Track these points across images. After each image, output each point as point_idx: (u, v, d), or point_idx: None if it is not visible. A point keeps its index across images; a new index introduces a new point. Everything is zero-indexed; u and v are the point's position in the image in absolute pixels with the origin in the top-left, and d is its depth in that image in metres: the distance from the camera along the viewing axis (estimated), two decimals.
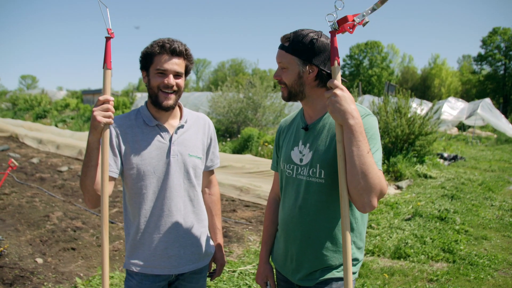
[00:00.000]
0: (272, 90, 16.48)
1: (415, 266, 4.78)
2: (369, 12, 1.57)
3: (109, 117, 1.76)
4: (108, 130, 1.77)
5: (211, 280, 2.42)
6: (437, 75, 59.33)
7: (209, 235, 2.32)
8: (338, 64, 1.63)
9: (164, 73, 1.99)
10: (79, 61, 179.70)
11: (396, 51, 66.63)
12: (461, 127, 24.46)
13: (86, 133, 16.81)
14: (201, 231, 2.23)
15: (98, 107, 1.75)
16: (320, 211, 1.86)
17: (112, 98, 1.79)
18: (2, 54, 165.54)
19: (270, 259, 2.21)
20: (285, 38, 1.84)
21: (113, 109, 1.79)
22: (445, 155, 13.65)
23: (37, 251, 5.28)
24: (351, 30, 1.60)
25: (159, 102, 2.03)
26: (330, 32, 1.63)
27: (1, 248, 5.10)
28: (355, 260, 1.92)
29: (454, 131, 24.02)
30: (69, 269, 4.76)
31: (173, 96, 2.04)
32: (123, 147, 2.03)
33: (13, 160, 4.99)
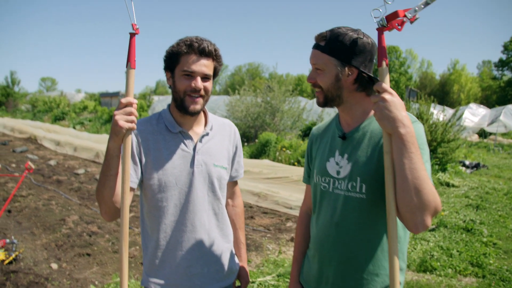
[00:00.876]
0: (290, 94, 16.29)
1: (443, 281, 4.55)
2: (422, 7, 1.40)
3: (132, 121, 1.58)
4: (130, 137, 1.60)
5: None
6: (456, 80, 58.45)
7: (233, 251, 2.15)
8: (387, 65, 1.45)
9: (191, 75, 1.83)
10: (97, 64, 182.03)
11: (414, 56, 65.87)
12: (482, 134, 23.93)
13: (104, 136, 16.87)
14: (226, 246, 2.06)
15: (120, 110, 1.58)
16: (360, 229, 1.67)
17: (135, 101, 1.62)
18: (23, 57, 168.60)
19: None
20: (320, 37, 1.67)
21: (136, 113, 1.62)
22: (467, 162, 13.28)
23: (52, 256, 5.20)
24: (399, 27, 1.43)
25: (185, 107, 1.86)
26: (377, 29, 1.45)
27: (17, 253, 5.02)
28: None
29: (475, 138, 23.49)
30: (84, 275, 4.66)
31: (200, 101, 1.87)
32: (143, 155, 1.86)
33: (29, 163, 4.92)
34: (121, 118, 1.57)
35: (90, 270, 4.81)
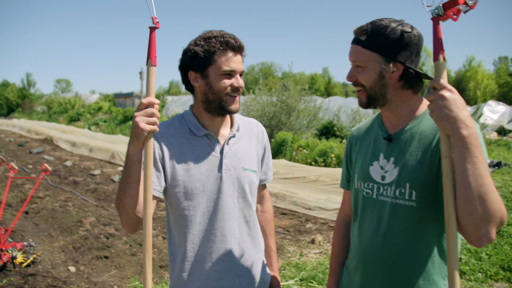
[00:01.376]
0: (306, 93, 16.10)
1: (473, 286, 4.35)
2: None
3: (153, 123, 1.45)
4: (152, 140, 1.47)
5: None
6: (472, 77, 57.56)
7: (265, 260, 2.00)
8: (444, 58, 1.30)
9: (231, 74, 1.70)
10: (111, 65, 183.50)
11: (429, 54, 64.96)
12: (501, 131, 23.44)
13: (119, 137, 16.91)
14: (258, 256, 1.91)
15: (140, 111, 1.45)
16: (410, 240, 1.51)
17: (157, 101, 1.48)
18: (39, 59, 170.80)
19: None
20: (360, 31, 1.51)
21: (158, 114, 1.48)
22: (488, 161, 12.97)
23: (69, 259, 5.13)
24: (455, 16, 1.28)
25: (225, 107, 1.72)
26: (432, 19, 1.30)
27: (35, 255, 4.96)
28: None
29: (494, 135, 23.03)
30: (102, 279, 4.57)
31: (238, 99, 1.76)
32: (167, 161, 1.72)
33: (46, 165, 4.85)
34: (142, 120, 1.44)
35: (108, 273, 4.72)
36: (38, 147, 16.10)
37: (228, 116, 1.87)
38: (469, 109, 12.61)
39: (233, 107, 1.73)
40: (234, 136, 1.84)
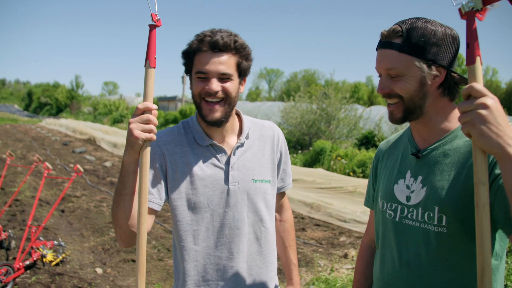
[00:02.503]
0: (346, 102, 15.76)
1: None
2: None
3: (150, 131, 1.32)
4: (148, 149, 1.33)
5: None
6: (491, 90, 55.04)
7: (277, 283, 1.82)
8: (481, 61, 1.10)
9: (205, 77, 1.52)
10: (158, 69, 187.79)
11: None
12: None
13: None
14: (269, 276, 1.74)
15: (136, 117, 1.33)
16: (439, 271, 1.30)
17: (155, 106, 1.34)
18: (88, 62, 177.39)
19: None
20: (394, 33, 1.29)
21: (155, 121, 1.34)
22: None
23: (98, 260, 5.13)
24: (481, 16, 1.09)
25: (203, 115, 1.56)
26: (466, 13, 1.09)
27: (64, 255, 4.98)
28: None
29: None
30: (127, 283, 4.53)
31: (218, 107, 1.54)
32: (170, 172, 1.58)
33: (78, 166, 4.86)
34: (137, 127, 1.31)
35: (134, 277, 4.65)
36: (81, 146, 16.54)
37: (236, 123, 1.71)
38: None
39: (209, 116, 1.54)
40: (242, 145, 1.67)
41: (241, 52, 1.56)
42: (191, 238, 1.60)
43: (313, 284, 4.52)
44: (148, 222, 1.39)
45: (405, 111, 1.33)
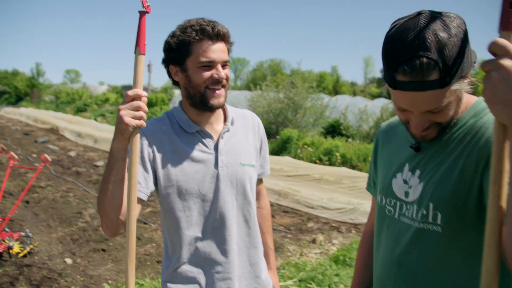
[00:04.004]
0: (313, 91, 15.97)
1: None
2: None
3: (140, 118, 1.33)
4: (138, 136, 1.34)
5: None
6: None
7: (265, 264, 1.89)
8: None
9: (210, 65, 1.56)
10: (121, 57, 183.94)
11: None
12: None
13: None
14: (258, 257, 1.79)
15: (126, 104, 1.33)
16: (433, 272, 1.22)
17: (145, 93, 1.35)
18: (49, 49, 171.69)
19: None
20: (428, 67, 1.02)
21: (145, 108, 1.35)
22: None
23: (67, 250, 5.08)
24: None
25: (207, 103, 1.59)
26: None
27: (31, 246, 4.91)
28: None
29: None
30: (98, 272, 4.51)
31: (223, 92, 1.61)
32: (158, 160, 1.60)
33: (46, 155, 4.78)
34: (127, 114, 1.31)
35: (105, 266, 4.66)
36: (43, 136, 16.12)
37: (220, 110, 1.75)
38: None
39: (215, 101, 1.59)
40: (228, 130, 1.72)
41: (231, 41, 1.65)
42: (184, 224, 1.63)
43: (283, 268, 4.65)
44: (136, 210, 1.40)
45: (441, 131, 1.19)
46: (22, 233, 4.93)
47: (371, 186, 1.58)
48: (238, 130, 1.76)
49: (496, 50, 0.88)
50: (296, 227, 6.27)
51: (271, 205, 7.45)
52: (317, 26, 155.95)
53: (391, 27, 1.12)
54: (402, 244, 1.28)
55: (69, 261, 4.76)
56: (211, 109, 1.62)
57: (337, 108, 16.60)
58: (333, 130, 14.32)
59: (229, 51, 1.64)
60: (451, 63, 1.03)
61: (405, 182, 1.29)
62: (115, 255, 4.95)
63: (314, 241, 5.62)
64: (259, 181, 1.94)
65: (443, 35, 1.02)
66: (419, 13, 1.08)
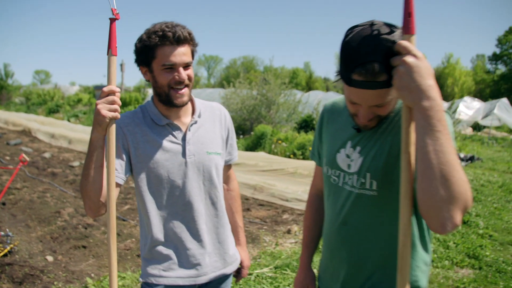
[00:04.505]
0: (286, 87, 16.25)
1: (440, 272, 4.56)
2: None
3: (115, 110, 1.53)
4: (114, 126, 1.54)
5: (236, 281, 2.23)
6: (450, 74, 58.54)
7: (233, 239, 2.12)
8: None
9: (172, 67, 1.73)
10: (91, 57, 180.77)
11: None
12: (476, 127, 23.99)
13: None
14: (226, 235, 2.03)
15: (102, 99, 1.53)
16: (371, 229, 1.51)
17: (118, 89, 1.56)
18: (17, 49, 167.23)
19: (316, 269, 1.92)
20: (377, 72, 1.24)
21: (119, 102, 1.56)
22: (462, 155, 13.33)
23: (47, 249, 5.16)
24: None
25: (171, 101, 1.79)
26: None
27: (12, 245, 4.98)
28: None
29: (469, 131, 23.55)
30: (79, 268, 4.63)
31: (186, 91, 1.79)
32: (132, 149, 1.80)
33: (24, 155, 4.86)
34: (103, 107, 1.52)
35: (86, 262, 4.78)
36: (15, 138, 15.86)
37: (189, 104, 1.94)
38: (445, 105, 12.97)
39: (178, 101, 1.78)
40: (196, 122, 1.92)
41: (194, 43, 1.81)
42: (156, 206, 1.84)
43: (260, 257, 4.87)
44: (114, 192, 1.58)
45: (379, 121, 1.44)
46: (2, 233, 4.99)
47: (315, 155, 1.83)
48: (205, 121, 1.96)
49: (400, 50, 1.17)
50: (272, 219, 6.50)
51: (247, 199, 7.66)
52: (290, 23, 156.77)
53: (348, 33, 1.32)
54: (346, 207, 1.55)
55: (50, 258, 4.85)
56: (176, 106, 1.81)
57: (309, 103, 16.93)
58: (306, 125, 14.61)
59: (193, 52, 1.81)
60: (393, 66, 1.23)
61: (348, 156, 1.55)
62: (96, 251, 5.07)
63: (289, 231, 5.85)
64: (228, 166, 2.16)
65: (389, 44, 1.22)
66: (372, 24, 1.29)
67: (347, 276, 1.60)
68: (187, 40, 1.75)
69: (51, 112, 27.71)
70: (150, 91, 30.39)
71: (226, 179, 2.18)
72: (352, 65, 1.27)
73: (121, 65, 26.95)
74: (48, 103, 30.13)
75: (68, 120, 23.16)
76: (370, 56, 1.23)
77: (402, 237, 1.25)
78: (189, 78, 1.79)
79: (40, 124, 19.04)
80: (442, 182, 1.12)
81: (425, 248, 1.53)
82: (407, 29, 1.19)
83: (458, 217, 1.14)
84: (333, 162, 1.60)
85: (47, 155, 12.12)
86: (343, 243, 1.58)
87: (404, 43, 1.16)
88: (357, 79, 1.27)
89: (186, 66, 1.77)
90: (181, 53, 1.73)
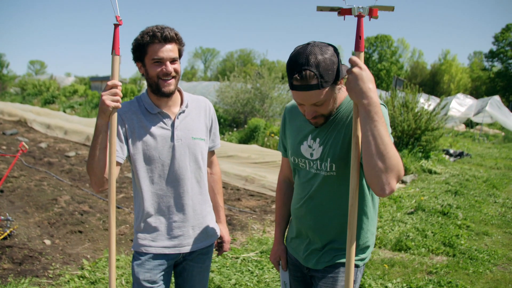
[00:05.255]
0: (280, 81, 16.49)
1: (415, 259, 4.85)
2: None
3: (117, 101, 1.82)
4: (116, 114, 1.83)
5: (218, 255, 2.56)
6: (447, 71, 58.87)
7: (213, 215, 2.42)
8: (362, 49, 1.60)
9: (160, 61, 2.03)
10: (87, 48, 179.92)
11: (406, 46, 66.10)
12: (469, 124, 24.31)
13: (94, 120, 16.96)
14: (208, 211, 2.33)
15: (106, 91, 1.82)
16: (332, 201, 1.90)
17: (120, 84, 1.85)
18: (12, 39, 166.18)
19: (285, 241, 2.28)
20: (310, 77, 1.62)
21: (121, 94, 1.85)
22: (451, 151, 13.63)
23: (45, 233, 5.40)
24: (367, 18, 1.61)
25: (160, 90, 2.08)
26: (357, 15, 1.58)
27: (11, 229, 5.22)
28: (367, 247, 1.99)
29: (462, 127, 23.90)
30: (76, 251, 4.88)
31: (173, 81, 2.09)
32: (129, 133, 2.09)
33: (24, 143, 5.09)
34: (107, 98, 1.81)
35: (82, 246, 5.03)
36: (11, 128, 16.05)
37: (178, 96, 2.24)
38: (438, 101, 13.27)
39: (166, 89, 2.08)
40: (183, 111, 2.21)
41: (180, 42, 2.12)
42: (148, 182, 2.14)
43: (247, 243, 5.14)
44: (115, 170, 1.90)
45: (327, 119, 1.83)
46: (2, 217, 5.23)
47: (281, 148, 2.21)
48: (191, 111, 2.26)
49: (351, 63, 1.57)
50: (261, 209, 6.77)
51: (238, 189, 7.92)
52: (287, 16, 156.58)
53: (293, 51, 1.71)
54: (312, 185, 1.94)
55: (48, 242, 5.10)
56: (164, 94, 2.09)
57: None
58: None
59: (180, 50, 2.12)
60: (325, 74, 1.63)
61: (310, 146, 1.93)
62: (92, 236, 5.32)
63: None
64: (211, 152, 2.46)
65: (320, 57, 1.62)
66: (308, 44, 1.68)
67: (313, 239, 2.00)
68: (174, 39, 2.06)
69: (46, 102, 27.84)
70: (145, 83, 30.53)
71: (210, 164, 2.49)
72: (291, 73, 1.67)
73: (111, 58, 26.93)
74: (44, 94, 30.23)
75: (64, 111, 23.32)
76: (303, 66, 1.63)
77: (351, 200, 1.63)
78: (176, 71, 2.09)
79: (36, 115, 19.21)
80: (379, 157, 1.52)
81: (375, 216, 1.99)
82: (358, 47, 1.58)
83: (393, 183, 1.55)
84: (298, 152, 1.98)
85: (43, 145, 12.32)
86: (310, 213, 1.97)
87: (353, 58, 1.56)
88: (295, 83, 1.67)
89: (173, 60, 2.07)
90: (168, 50, 2.04)
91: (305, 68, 1.62)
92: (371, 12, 1.58)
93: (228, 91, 16.56)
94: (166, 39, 2.02)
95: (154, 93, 2.12)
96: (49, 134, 15.15)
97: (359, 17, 1.58)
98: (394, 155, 1.54)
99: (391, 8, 1.59)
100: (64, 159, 10.49)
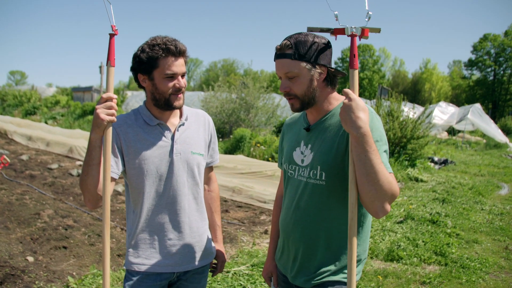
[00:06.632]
0: (264, 91, 16.48)
1: (408, 269, 4.80)
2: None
3: (112, 115, 1.72)
4: (110, 128, 1.74)
5: (212, 276, 2.41)
6: (428, 79, 59.89)
7: (210, 234, 2.31)
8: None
9: (173, 76, 1.96)
10: (68, 58, 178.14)
11: (387, 55, 67.04)
12: (451, 131, 24.66)
13: (77, 131, 16.70)
14: (204, 229, 2.22)
15: (101, 104, 1.72)
16: (320, 212, 1.84)
17: (115, 96, 1.75)
18: None
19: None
20: (285, 46, 1.75)
21: (116, 107, 1.75)
22: (436, 159, 13.76)
23: (27, 250, 5.22)
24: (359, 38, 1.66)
25: (171, 105, 2.00)
26: (350, 35, 1.62)
27: None
28: (358, 261, 1.91)
29: (444, 135, 24.22)
30: (60, 267, 4.72)
31: (182, 96, 2.03)
32: (124, 147, 2.00)
33: (5, 156, 4.93)
34: (102, 112, 1.70)
35: (67, 262, 4.87)
36: None
37: None
38: (422, 110, 13.39)
39: (177, 103, 2.01)
40: (183, 124, 2.13)
41: (187, 54, 2.04)
42: (145, 198, 2.02)
43: (237, 256, 5.03)
44: (110, 186, 1.77)
45: (302, 103, 1.81)
46: None
47: (281, 164, 2.14)
48: (191, 125, 2.17)
49: (344, 95, 1.60)
50: (250, 220, 6.67)
51: (226, 201, 7.82)
52: (270, 26, 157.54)
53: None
54: (299, 194, 1.89)
55: (31, 259, 4.92)
56: (174, 108, 2.02)
57: (288, 107, 17.15)
58: None
59: (186, 63, 2.05)
60: (301, 48, 1.72)
61: (302, 153, 1.91)
62: (77, 251, 5.16)
63: (266, 232, 6.03)
64: (210, 168, 2.35)
65: (303, 36, 1.74)
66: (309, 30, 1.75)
67: (297, 254, 1.92)
68: (185, 53, 2.00)
69: (28, 114, 27.34)
70: (129, 94, 30.26)
71: (207, 180, 2.38)
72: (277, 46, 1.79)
73: (100, 67, 26.77)
74: (25, 105, 29.70)
75: (46, 122, 22.90)
76: (287, 39, 1.76)
77: (350, 214, 1.62)
78: (185, 85, 2.02)
79: (16, 126, 18.81)
80: (371, 185, 1.55)
81: (367, 233, 1.94)
82: (352, 65, 1.62)
83: (387, 206, 1.60)
84: (290, 158, 1.96)
85: (24, 157, 12.03)
86: (297, 225, 1.90)
87: (346, 90, 1.59)
88: (275, 53, 1.79)
89: (183, 75, 2.01)
90: (180, 64, 1.98)
91: (286, 40, 1.76)
92: (363, 33, 1.62)
93: (213, 101, 16.48)
94: (180, 53, 1.96)
95: (159, 106, 2.02)
96: (30, 146, 14.83)
97: (352, 36, 1.61)
98: (386, 181, 1.56)
99: (378, 30, 1.66)
100: (46, 171, 10.24)
